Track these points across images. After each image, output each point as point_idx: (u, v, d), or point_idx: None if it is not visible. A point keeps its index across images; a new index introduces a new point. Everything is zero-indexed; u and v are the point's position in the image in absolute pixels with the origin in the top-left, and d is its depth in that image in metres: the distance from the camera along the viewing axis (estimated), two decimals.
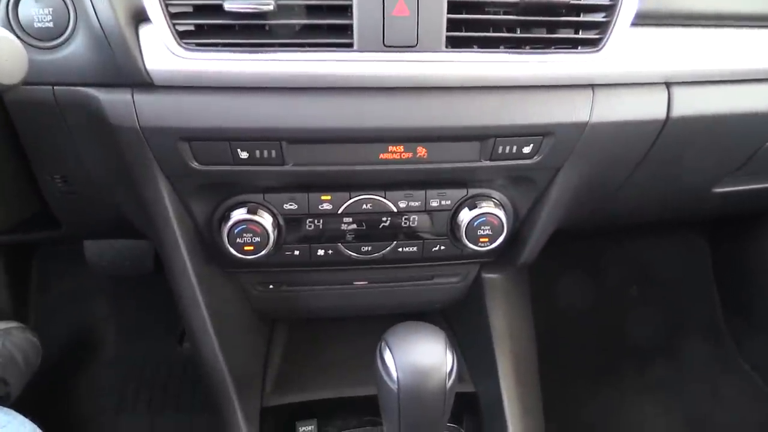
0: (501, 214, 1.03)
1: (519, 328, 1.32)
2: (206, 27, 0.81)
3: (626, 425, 1.83)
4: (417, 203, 1.03)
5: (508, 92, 0.91)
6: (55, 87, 0.85)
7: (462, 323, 1.44)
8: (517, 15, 0.85)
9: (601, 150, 1.00)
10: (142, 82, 0.83)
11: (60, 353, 1.84)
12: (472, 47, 0.86)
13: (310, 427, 1.18)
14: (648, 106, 0.98)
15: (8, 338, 1.55)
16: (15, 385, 1.52)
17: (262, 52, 0.82)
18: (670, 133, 1.01)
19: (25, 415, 0.92)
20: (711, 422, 1.84)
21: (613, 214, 1.35)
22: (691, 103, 1.00)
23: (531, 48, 0.88)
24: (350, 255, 1.08)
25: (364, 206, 1.02)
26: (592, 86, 0.94)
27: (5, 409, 0.91)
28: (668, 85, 0.98)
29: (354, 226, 1.04)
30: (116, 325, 1.93)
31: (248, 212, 0.97)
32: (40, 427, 0.91)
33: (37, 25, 0.80)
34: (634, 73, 0.96)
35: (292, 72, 0.84)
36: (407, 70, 0.86)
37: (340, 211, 1.02)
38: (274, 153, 0.90)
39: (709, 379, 1.93)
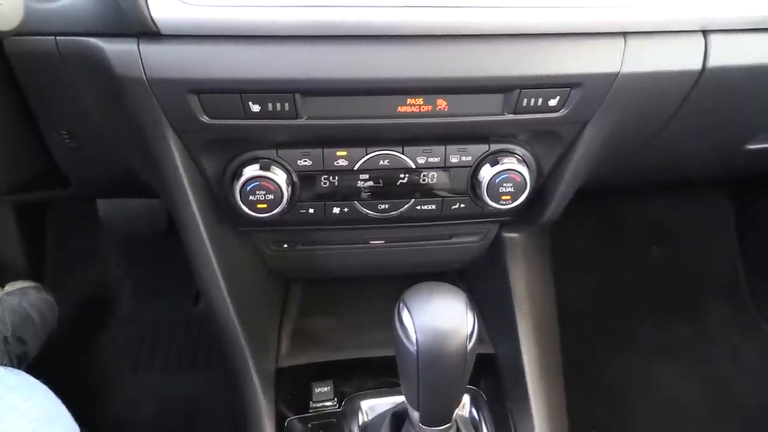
0: (524, 170, 0.99)
1: (539, 288, 1.30)
2: None
3: (645, 388, 1.82)
4: (436, 159, 0.99)
5: (534, 41, 0.87)
6: (57, 37, 0.82)
7: (481, 283, 1.42)
8: None
9: (631, 103, 0.95)
10: (148, 31, 0.79)
11: (76, 313, 1.86)
12: None
13: (326, 389, 1.18)
14: (683, 56, 0.93)
15: (25, 298, 1.57)
16: (32, 344, 1.53)
17: None
18: (706, 85, 0.95)
19: (38, 376, 0.91)
20: (731, 384, 1.83)
21: (640, 171, 1.31)
22: (729, 53, 0.94)
23: None
24: (367, 213, 1.06)
25: (381, 162, 0.98)
26: (624, 34, 0.89)
27: (16, 371, 0.90)
28: (705, 33, 0.92)
29: (371, 183, 1.01)
30: (132, 285, 1.94)
31: (261, 168, 0.94)
32: (53, 387, 0.90)
33: None
34: (669, 20, 0.90)
35: (306, 19, 0.80)
36: (427, 16, 0.82)
37: (356, 168, 0.98)
38: (287, 106, 0.86)
39: (729, 341, 1.92)
